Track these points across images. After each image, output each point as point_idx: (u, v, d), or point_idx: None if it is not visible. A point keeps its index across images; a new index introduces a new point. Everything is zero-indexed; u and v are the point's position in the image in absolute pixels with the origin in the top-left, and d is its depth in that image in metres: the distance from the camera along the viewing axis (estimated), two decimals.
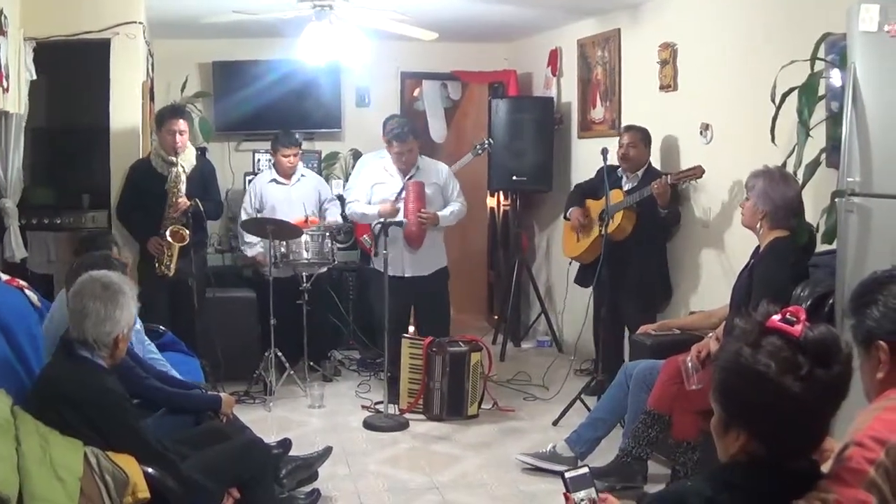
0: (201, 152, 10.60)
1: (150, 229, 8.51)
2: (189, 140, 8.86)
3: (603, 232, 8.38)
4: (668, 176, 8.18)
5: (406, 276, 8.86)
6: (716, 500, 2.61)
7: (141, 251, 8.63)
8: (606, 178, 8.26)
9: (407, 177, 8.85)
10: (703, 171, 7.97)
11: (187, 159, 8.64)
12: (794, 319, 2.60)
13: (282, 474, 6.20)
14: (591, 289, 8.80)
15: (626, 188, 8.61)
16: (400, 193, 8.75)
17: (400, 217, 8.63)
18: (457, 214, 9.02)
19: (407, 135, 8.82)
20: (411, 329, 9.11)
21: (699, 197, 8.44)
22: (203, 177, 8.97)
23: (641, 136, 8.70)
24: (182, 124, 8.54)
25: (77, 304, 4.64)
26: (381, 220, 8.56)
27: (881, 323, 3.01)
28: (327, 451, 6.83)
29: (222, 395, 6.31)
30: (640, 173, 8.66)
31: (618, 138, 8.88)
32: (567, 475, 3.21)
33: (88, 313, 4.59)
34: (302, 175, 9.96)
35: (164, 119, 8.55)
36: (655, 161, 8.83)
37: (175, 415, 5.75)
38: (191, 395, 6.06)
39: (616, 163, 8.69)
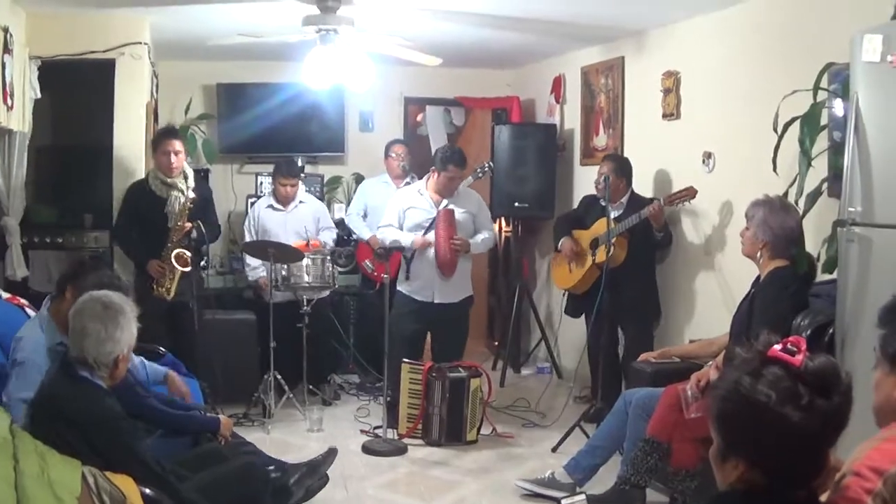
0: (203, 175, 10.62)
1: (149, 251, 8.49)
2: (187, 162, 8.85)
3: (599, 260, 8.44)
4: (661, 199, 8.22)
5: (435, 302, 8.83)
6: None
7: (137, 272, 8.63)
8: (607, 207, 8.30)
9: (441, 205, 8.85)
10: (696, 192, 8.02)
11: (188, 182, 8.61)
12: (795, 349, 2.60)
13: (290, 483, 6.18)
14: (588, 317, 8.84)
15: (612, 216, 8.60)
16: (433, 222, 8.75)
17: (407, 242, 8.70)
18: (486, 243, 9.06)
19: (461, 163, 8.83)
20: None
21: (699, 224, 8.46)
22: (202, 200, 8.96)
23: (618, 167, 8.78)
24: (177, 145, 8.52)
25: (77, 324, 4.64)
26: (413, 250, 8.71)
27: None
28: (332, 453, 6.79)
29: (221, 417, 6.30)
30: (623, 201, 8.73)
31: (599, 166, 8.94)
32: (563, 502, 3.21)
33: (89, 333, 4.58)
34: (301, 202, 9.97)
35: (159, 140, 8.55)
36: (656, 188, 8.85)
37: (173, 436, 5.75)
38: (191, 416, 6.06)
39: (598, 193, 8.71)
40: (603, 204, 8.60)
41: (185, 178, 8.56)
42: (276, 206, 9.87)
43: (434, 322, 8.95)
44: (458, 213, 8.83)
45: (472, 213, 8.97)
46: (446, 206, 8.81)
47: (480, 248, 9.07)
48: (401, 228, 8.92)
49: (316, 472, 6.52)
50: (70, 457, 4.30)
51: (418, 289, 8.75)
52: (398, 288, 8.95)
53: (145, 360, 6.49)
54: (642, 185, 9.00)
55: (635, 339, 8.59)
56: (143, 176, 8.77)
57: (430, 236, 8.72)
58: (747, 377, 2.59)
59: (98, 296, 4.78)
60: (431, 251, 8.67)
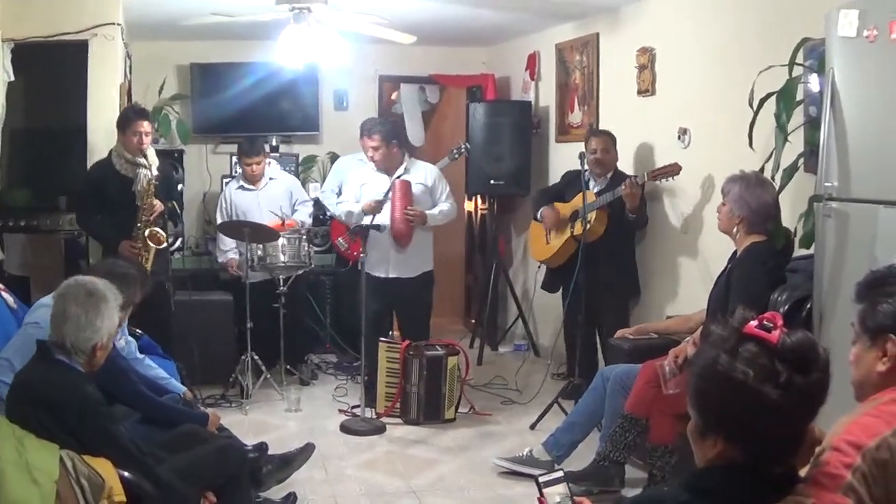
0: (177, 155, 10.59)
1: (119, 233, 8.33)
2: (162, 142, 8.79)
3: (577, 233, 8.42)
4: (645, 174, 8.20)
5: (390, 276, 8.81)
6: None
7: (106, 255, 8.51)
8: (582, 180, 8.30)
9: (395, 176, 8.81)
10: (680, 169, 7.98)
11: (153, 161, 8.52)
12: (771, 325, 2.59)
13: (263, 471, 6.20)
14: (565, 292, 8.82)
15: (595, 191, 8.61)
16: (388, 192, 8.72)
17: (379, 220, 8.57)
18: (446, 214, 8.99)
19: (369, 131, 8.86)
20: (395, 334, 9.12)
21: (676, 201, 8.45)
22: (165, 178, 8.87)
23: (612, 140, 8.74)
24: (147, 126, 8.37)
25: (59, 308, 4.61)
26: (370, 217, 8.59)
27: None
28: (309, 448, 6.82)
29: (209, 412, 6.34)
30: (608, 176, 8.70)
31: (584, 143, 8.87)
32: (541, 479, 3.20)
33: (69, 318, 4.55)
34: (270, 178, 9.94)
35: (129, 121, 8.34)
36: (633, 166, 8.86)
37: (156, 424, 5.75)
38: (180, 410, 6.08)
39: (581, 167, 8.67)
40: (587, 178, 8.64)
41: (146, 156, 8.43)
42: (247, 185, 9.84)
43: (395, 299, 8.96)
44: (414, 186, 8.83)
45: (428, 186, 8.96)
46: (400, 177, 8.82)
47: (439, 220, 8.98)
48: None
49: (289, 465, 6.54)
50: (48, 441, 4.29)
51: (374, 263, 8.69)
52: (358, 267, 8.98)
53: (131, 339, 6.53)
54: (619, 162, 8.99)
55: (611, 316, 8.58)
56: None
57: (380, 198, 8.72)
58: (724, 355, 2.58)
59: (83, 281, 4.76)
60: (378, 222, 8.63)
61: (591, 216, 8.40)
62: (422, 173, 9.00)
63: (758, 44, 7.17)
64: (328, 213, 10.68)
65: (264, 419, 8.50)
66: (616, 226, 8.54)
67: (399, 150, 8.98)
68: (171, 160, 10.24)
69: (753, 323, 2.61)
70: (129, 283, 5.70)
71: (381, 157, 8.83)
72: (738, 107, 6.72)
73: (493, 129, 10.82)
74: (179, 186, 10.32)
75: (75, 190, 8.88)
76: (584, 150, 8.55)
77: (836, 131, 5.34)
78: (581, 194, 8.39)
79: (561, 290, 9.19)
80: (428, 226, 8.90)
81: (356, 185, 9.08)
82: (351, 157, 10.64)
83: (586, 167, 8.49)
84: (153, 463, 4.72)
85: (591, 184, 8.70)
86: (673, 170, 8.04)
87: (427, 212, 8.82)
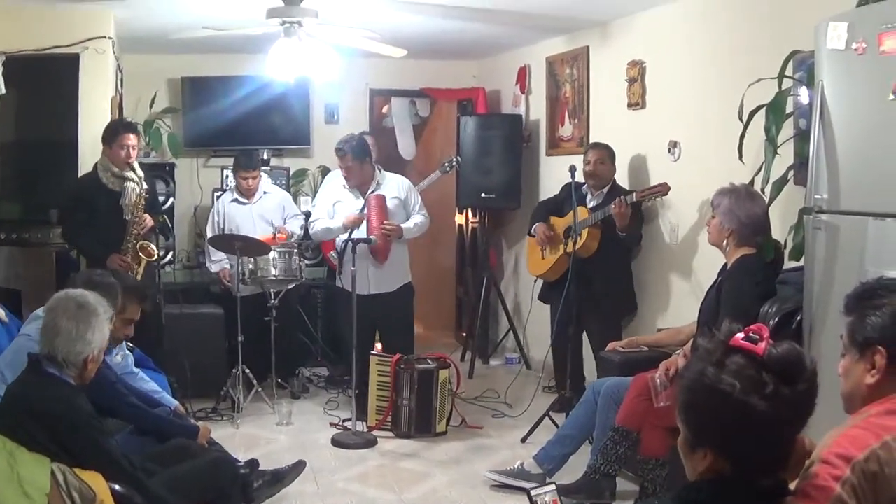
0: (169, 169, 10.58)
1: (107, 246, 8.32)
2: (152, 155, 8.76)
3: (569, 250, 8.39)
4: (634, 193, 8.19)
5: (371, 293, 8.76)
6: None
7: (92, 268, 8.45)
8: (574, 194, 8.28)
9: (368, 192, 8.80)
10: (669, 189, 7.97)
11: (141, 174, 8.48)
12: (758, 337, 2.60)
13: (255, 486, 6.19)
14: (556, 305, 8.82)
15: (590, 205, 8.62)
16: (363, 208, 8.72)
17: (364, 233, 8.60)
18: (420, 227, 8.98)
19: (340, 152, 8.85)
20: (378, 346, 9.10)
21: (666, 214, 8.46)
22: (151, 192, 8.83)
23: (608, 154, 8.72)
24: (134, 139, 8.35)
25: (49, 321, 4.60)
26: (348, 233, 8.56)
27: (887, 330, 3.03)
28: (300, 465, 6.79)
29: (199, 424, 6.32)
30: (605, 190, 8.67)
31: (583, 155, 8.88)
32: (533, 493, 3.21)
33: (60, 331, 4.54)
34: (265, 192, 9.93)
35: (116, 134, 8.32)
36: (623, 179, 8.86)
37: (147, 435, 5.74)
38: (170, 421, 6.06)
39: (581, 179, 8.67)
40: (584, 192, 8.65)
41: (133, 169, 8.43)
42: (241, 199, 9.81)
43: (376, 315, 8.89)
44: (388, 200, 8.83)
45: (402, 199, 8.97)
46: (374, 191, 8.82)
47: (414, 233, 8.98)
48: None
49: (280, 481, 6.52)
50: (39, 454, 4.28)
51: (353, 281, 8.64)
52: (336, 283, 8.99)
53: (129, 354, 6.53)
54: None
55: (601, 331, 8.56)
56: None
57: (357, 213, 8.72)
58: (711, 368, 2.59)
59: (74, 294, 4.74)
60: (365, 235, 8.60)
61: (584, 233, 8.39)
62: (394, 186, 9.00)
63: (747, 56, 7.19)
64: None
65: (255, 433, 8.48)
66: (610, 242, 8.52)
67: (371, 165, 8.97)
68: (159, 173, 10.25)
69: (740, 335, 2.62)
70: (110, 291, 5.67)
71: (354, 176, 8.84)
72: (727, 119, 6.74)
73: (484, 143, 10.83)
74: (170, 200, 10.34)
75: (60, 203, 8.84)
76: (574, 163, 8.53)
77: (825, 144, 5.36)
78: (578, 209, 8.39)
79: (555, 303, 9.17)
80: (403, 239, 8.91)
81: (329, 203, 9.07)
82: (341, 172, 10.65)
83: (583, 180, 8.52)
84: (144, 476, 4.72)
85: (588, 197, 8.71)
86: (661, 190, 8.03)
87: (403, 225, 8.81)
